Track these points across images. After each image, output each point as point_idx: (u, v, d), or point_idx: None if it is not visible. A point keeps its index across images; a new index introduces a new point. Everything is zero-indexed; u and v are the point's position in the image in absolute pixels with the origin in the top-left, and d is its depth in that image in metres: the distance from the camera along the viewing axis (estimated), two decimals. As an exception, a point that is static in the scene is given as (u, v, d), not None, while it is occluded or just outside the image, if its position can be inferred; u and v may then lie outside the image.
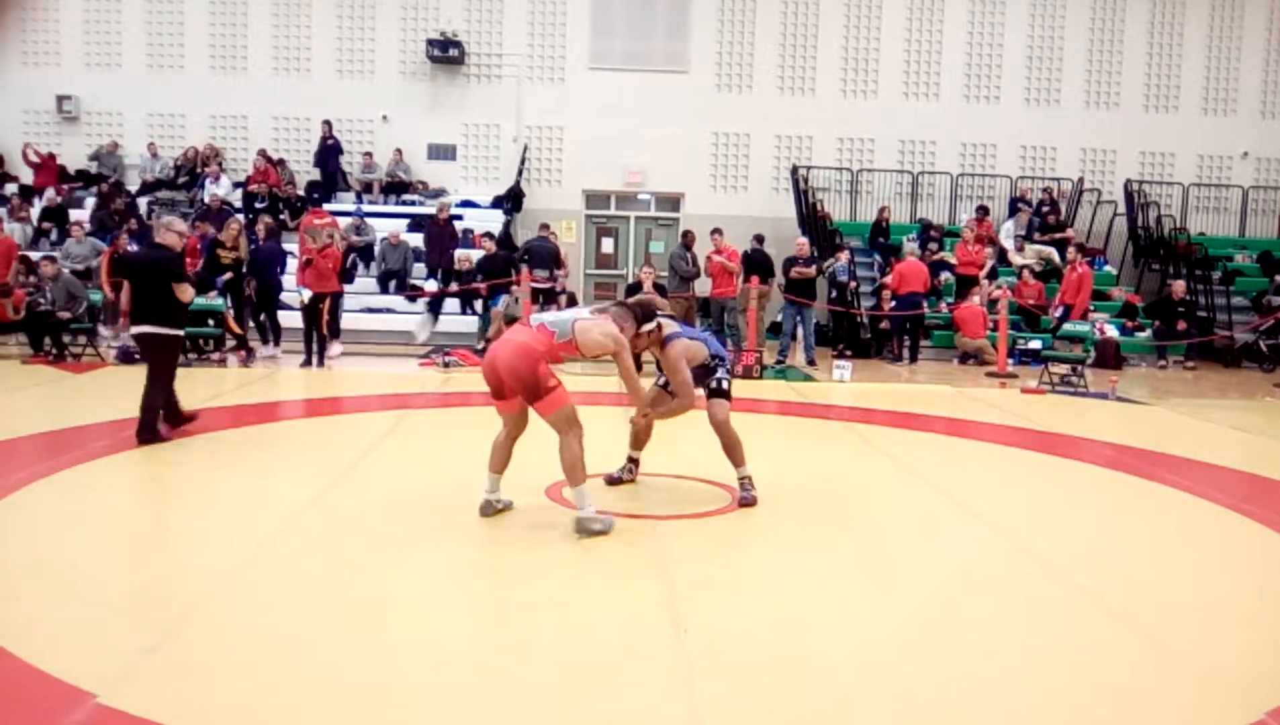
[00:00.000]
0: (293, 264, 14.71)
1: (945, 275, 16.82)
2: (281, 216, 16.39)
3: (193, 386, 10.41)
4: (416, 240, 16.79)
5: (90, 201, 17.72)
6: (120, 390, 10.29)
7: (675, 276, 14.33)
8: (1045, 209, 18.76)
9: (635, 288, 13.04)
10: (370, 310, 15.64)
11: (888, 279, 15.64)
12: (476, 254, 17.08)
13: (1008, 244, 18.04)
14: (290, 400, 9.46)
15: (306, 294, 12.42)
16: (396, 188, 18.97)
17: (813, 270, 14.28)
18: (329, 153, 18.71)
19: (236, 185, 18.12)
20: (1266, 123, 20.16)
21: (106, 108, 19.29)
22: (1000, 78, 19.89)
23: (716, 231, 14.63)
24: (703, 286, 15.25)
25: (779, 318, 15.07)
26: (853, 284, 16.05)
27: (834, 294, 15.84)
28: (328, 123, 18.73)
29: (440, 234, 16.56)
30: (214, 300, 12.81)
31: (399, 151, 19.06)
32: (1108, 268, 18.75)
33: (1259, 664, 3.98)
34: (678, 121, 19.35)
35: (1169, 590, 4.91)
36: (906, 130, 19.78)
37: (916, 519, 6.13)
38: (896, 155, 19.87)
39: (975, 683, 3.75)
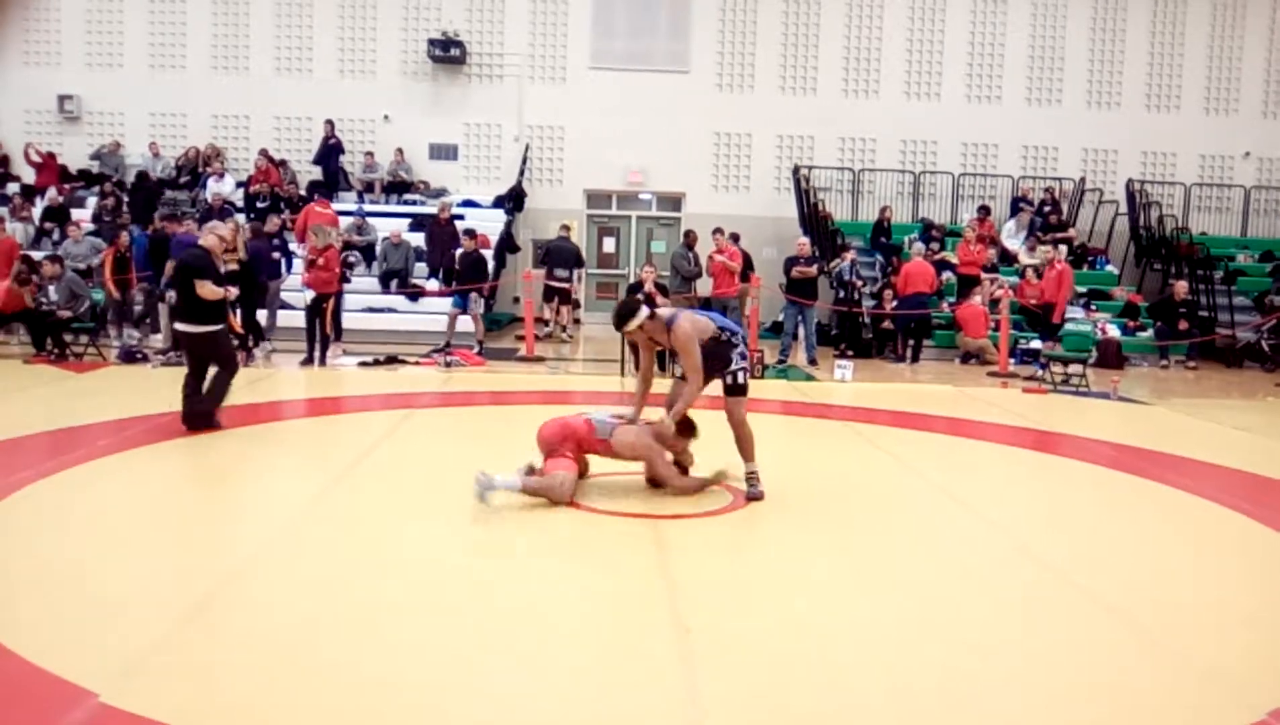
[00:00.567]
0: (292, 264, 14.75)
1: (947, 275, 16.82)
2: (283, 216, 16.37)
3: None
4: (418, 240, 16.80)
5: (91, 201, 17.73)
6: (122, 390, 10.32)
7: (677, 276, 14.33)
8: (1047, 209, 18.76)
9: (636, 287, 13.03)
10: (372, 310, 15.65)
11: (895, 279, 15.61)
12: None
13: (1010, 244, 18.04)
14: (292, 400, 9.46)
15: (309, 294, 12.44)
16: (398, 187, 18.99)
17: (814, 270, 14.27)
18: (330, 152, 18.72)
19: (238, 185, 18.13)
20: (1269, 122, 20.16)
21: (108, 107, 19.32)
22: (1002, 77, 19.89)
23: (718, 231, 14.63)
24: (702, 285, 15.26)
25: (780, 317, 15.07)
26: (859, 283, 16.05)
27: (841, 294, 15.84)
28: (330, 122, 18.74)
29: (441, 234, 16.57)
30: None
31: (400, 151, 19.08)
32: (1109, 267, 18.76)
33: (1259, 664, 3.98)
34: (679, 121, 19.36)
35: (1169, 590, 4.91)
36: (908, 130, 19.78)
37: (918, 519, 6.13)
38: (898, 155, 19.87)
39: (975, 682, 3.75)
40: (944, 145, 19.87)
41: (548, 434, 6.21)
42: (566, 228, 17.41)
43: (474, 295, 14.36)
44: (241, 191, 17.95)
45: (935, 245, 17.47)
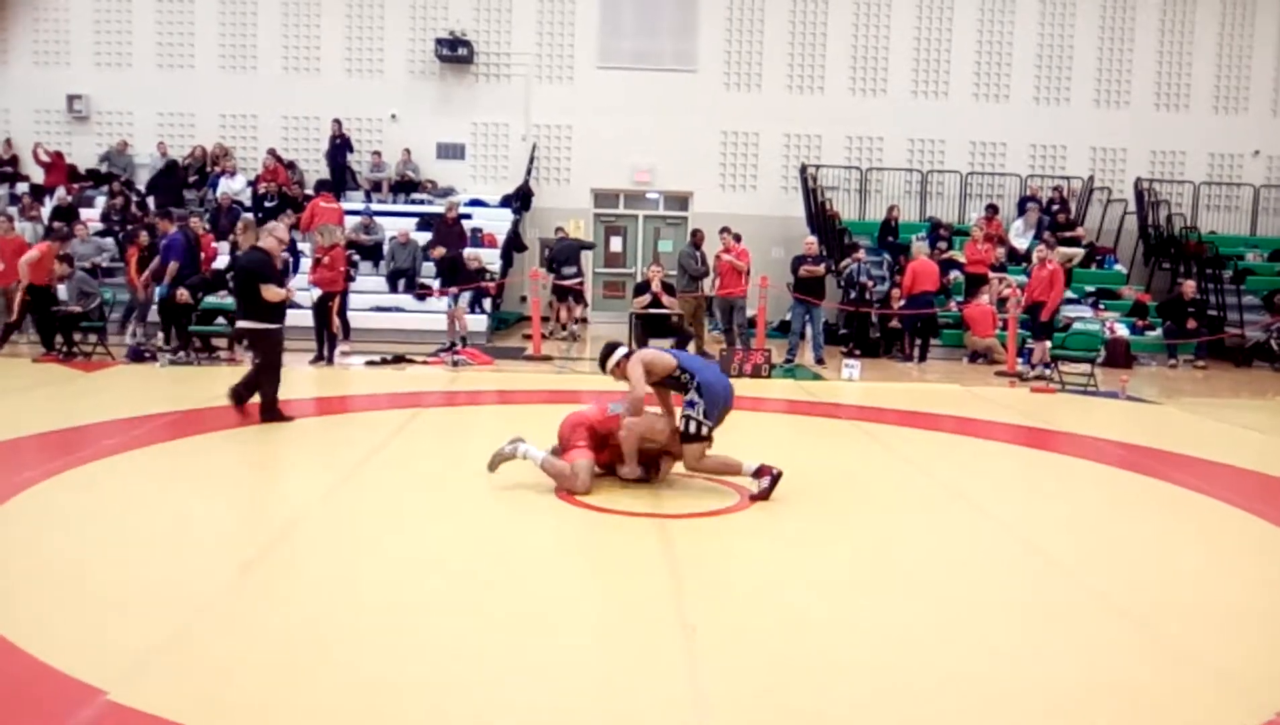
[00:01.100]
0: (299, 263, 14.78)
1: (955, 274, 16.80)
2: (287, 217, 16.41)
3: (205, 384, 10.46)
4: (425, 239, 16.82)
5: (100, 200, 17.79)
6: (131, 388, 10.36)
7: (684, 275, 14.32)
8: (1055, 208, 18.71)
9: (644, 287, 13.04)
10: (379, 309, 15.67)
11: (902, 278, 15.57)
12: (485, 252, 17.17)
13: (1018, 243, 18.00)
14: (300, 398, 9.47)
15: (316, 293, 12.46)
16: (405, 187, 19.01)
17: (821, 269, 14.25)
18: (338, 152, 18.75)
19: (247, 184, 18.18)
20: (1278, 121, 20.11)
21: (116, 107, 19.38)
22: (1010, 76, 19.86)
23: (725, 230, 14.61)
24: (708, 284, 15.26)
25: (787, 316, 15.06)
26: (868, 283, 16.03)
27: (852, 294, 15.81)
28: (337, 121, 18.77)
29: (449, 233, 16.58)
30: (224, 300, 12.83)
31: (407, 151, 19.11)
32: (1118, 266, 18.71)
33: (1268, 664, 3.96)
34: (686, 120, 19.36)
35: (1178, 590, 4.89)
36: (916, 129, 19.76)
37: (925, 518, 6.12)
38: (906, 154, 19.85)
39: (982, 682, 3.74)
40: (952, 144, 19.84)
41: (563, 428, 6.40)
42: (561, 229, 17.49)
43: (462, 294, 14.38)
44: (249, 191, 18.00)
45: (943, 244, 17.44)
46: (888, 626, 4.26)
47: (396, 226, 17.04)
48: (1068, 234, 17.90)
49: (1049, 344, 13.57)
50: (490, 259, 17.25)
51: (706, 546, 5.41)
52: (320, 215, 16.90)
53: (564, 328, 16.55)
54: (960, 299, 16.29)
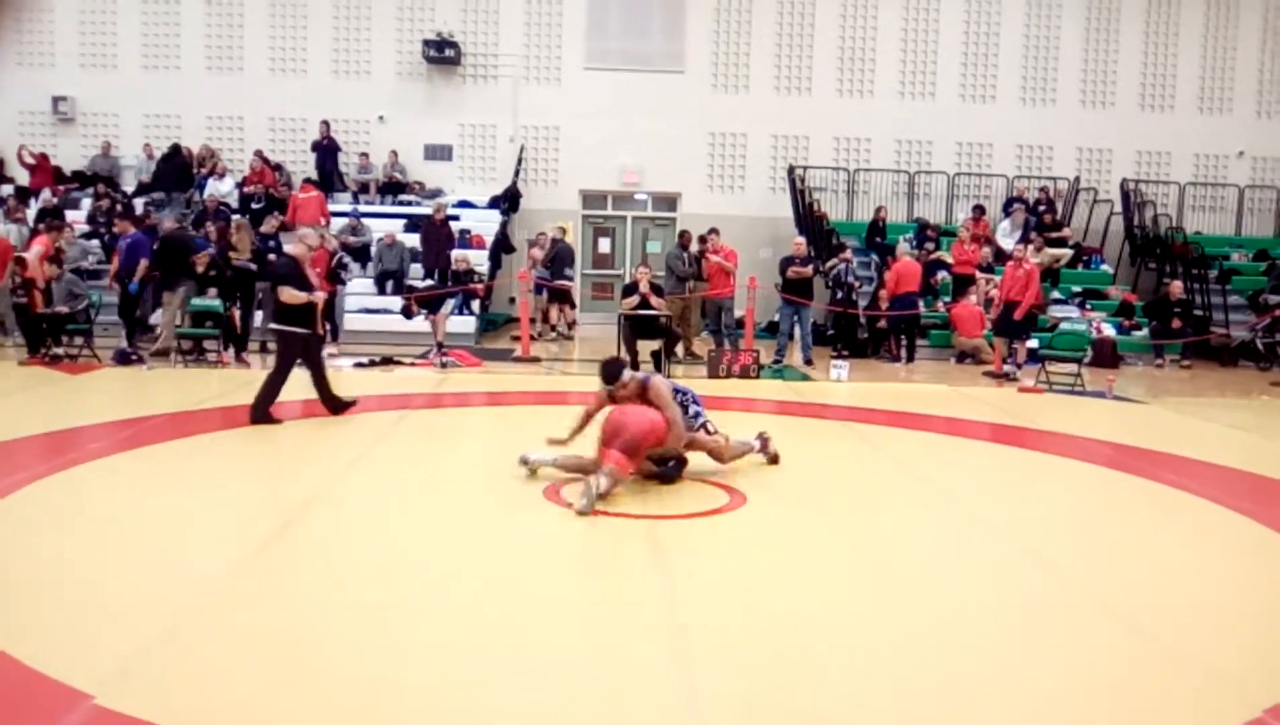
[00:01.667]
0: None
1: (942, 274, 16.83)
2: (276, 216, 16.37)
3: (193, 387, 10.43)
4: (413, 241, 16.78)
5: (86, 202, 17.71)
6: (117, 392, 10.31)
7: (671, 276, 14.32)
8: (1042, 208, 18.77)
9: (632, 288, 13.02)
10: (367, 311, 15.63)
11: (886, 276, 15.60)
12: (474, 254, 17.14)
13: (1004, 243, 18.04)
14: (289, 400, 9.42)
15: (320, 296, 12.39)
16: (393, 188, 18.97)
17: (809, 270, 14.27)
18: (325, 153, 18.69)
19: (234, 186, 18.12)
20: (1262, 122, 20.20)
21: (102, 109, 19.27)
22: (996, 77, 19.91)
23: (713, 231, 14.62)
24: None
25: (776, 317, 15.07)
26: (855, 284, 16.06)
27: (839, 295, 15.84)
28: (325, 123, 18.72)
29: (437, 234, 16.55)
30: (212, 301, 12.79)
31: (394, 152, 19.06)
32: (1104, 267, 18.79)
33: (1256, 662, 3.99)
34: (674, 121, 19.35)
35: (1166, 589, 4.91)
36: (903, 130, 19.79)
37: (914, 518, 6.13)
38: (893, 155, 19.89)
39: (972, 682, 3.75)
40: (939, 145, 19.88)
41: (607, 425, 6.32)
42: (563, 230, 17.54)
43: (448, 299, 14.28)
44: (236, 192, 17.94)
45: (930, 245, 17.48)
46: (880, 627, 4.26)
47: (384, 228, 17.00)
48: (1054, 234, 17.96)
49: (1032, 343, 13.64)
50: (478, 260, 17.23)
51: (698, 547, 5.41)
52: (301, 206, 16.93)
53: (555, 329, 16.59)
54: (948, 299, 16.33)
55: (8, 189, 18.22)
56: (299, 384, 8.79)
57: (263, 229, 14.81)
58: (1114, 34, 19.94)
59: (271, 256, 14.09)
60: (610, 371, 6.65)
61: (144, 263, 12.90)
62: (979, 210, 18.52)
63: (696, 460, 6.77)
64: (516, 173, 19.04)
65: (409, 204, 18.64)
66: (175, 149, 18.53)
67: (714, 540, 5.58)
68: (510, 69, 19.36)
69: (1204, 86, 20.13)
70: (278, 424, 8.39)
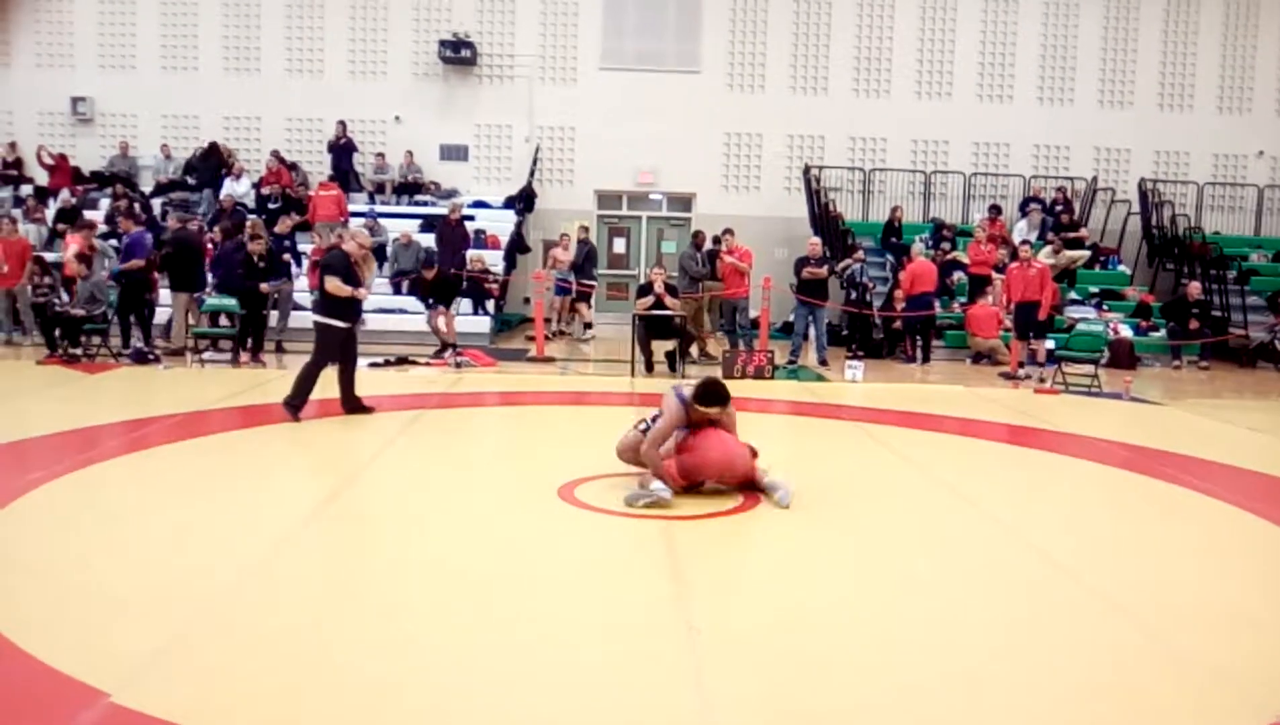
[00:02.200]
0: (303, 264, 14.78)
1: (958, 275, 16.78)
2: (292, 216, 16.45)
3: (208, 387, 10.49)
4: (429, 241, 16.83)
5: (105, 203, 17.83)
6: (133, 391, 10.37)
7: (685, 276, 14.31)
8: (1059, 208, 18.69)
9: (647, 288, 13.02)
10: (383, 310, 15.66)
11: (901, 276, 15.55)
12: (489, 254, 17.19)
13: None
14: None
15: (364, 292, 12.43)
16: (409, 188, 19.03)
17: (824, 270, 14.24)
18: (341, 153, 18.77)
19: (251, 186, 18.22)
20: (1282, 121, 20.06)
21: (120, 109, 19.42)
22: (1013, 76, 19.84)
23: (728, 232, 14.60)
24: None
25: (791, 317, 15.05)
26: (870, 284, 16.02)
27: (854, 295, 15.81)
28: (341, 123, 18.79)
29: (452, 235, 16.60)
30: (228, 300, 12.85)
31: (410, 153, 19.12)
32: (1122, 267, 18.69)
33: (1269, 667, 3.95)
34: (689, 121, 19.36)
35: (1180, 591, 4.88)
36: (919, 130, 19.75)
37: (928, 519, 6.11)
38: (909, 155, 19.84)
39: (983, 682, 3.74)
40: (955, 145, 19.83)
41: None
42: (585, 229, 17.65)
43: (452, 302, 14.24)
44: (253, 192, 18.04)
45: (946, 245, 17.43)
46: (892, 627, 4.25)
47: (400, 228, 17.06)
48: (1071, 235, 17.88)
49: (1049, 344, 13.59)
50: (494, 261, 17.27)
51: (711, 548, 5.41)
52: (320, 204, 17.04)
53: (585, 327, 16.85)
54: (964, 300, 16.27)
55: (27, 189, 18.40)
56: (326, 383, 8.81)
57: (277, 229, 14.87)
58: (1132, 33, 19.84)
59: (286, 256, 14.17)
60: (723, 396, 6.25)
61: (136, 261, 13.00)
62: (995, 210, 18.46)
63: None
64: (532, 173, 19.08)
65: (425, 204, 18.70)
66: (213, 146, 18.72)
67: (727, 541, 5.58)
68: (526, 69, 19.40)
69: (1223, 86, 20.01)
70: (296, 422, 8.43)
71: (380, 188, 18.94)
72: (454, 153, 19.65)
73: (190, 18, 19.33)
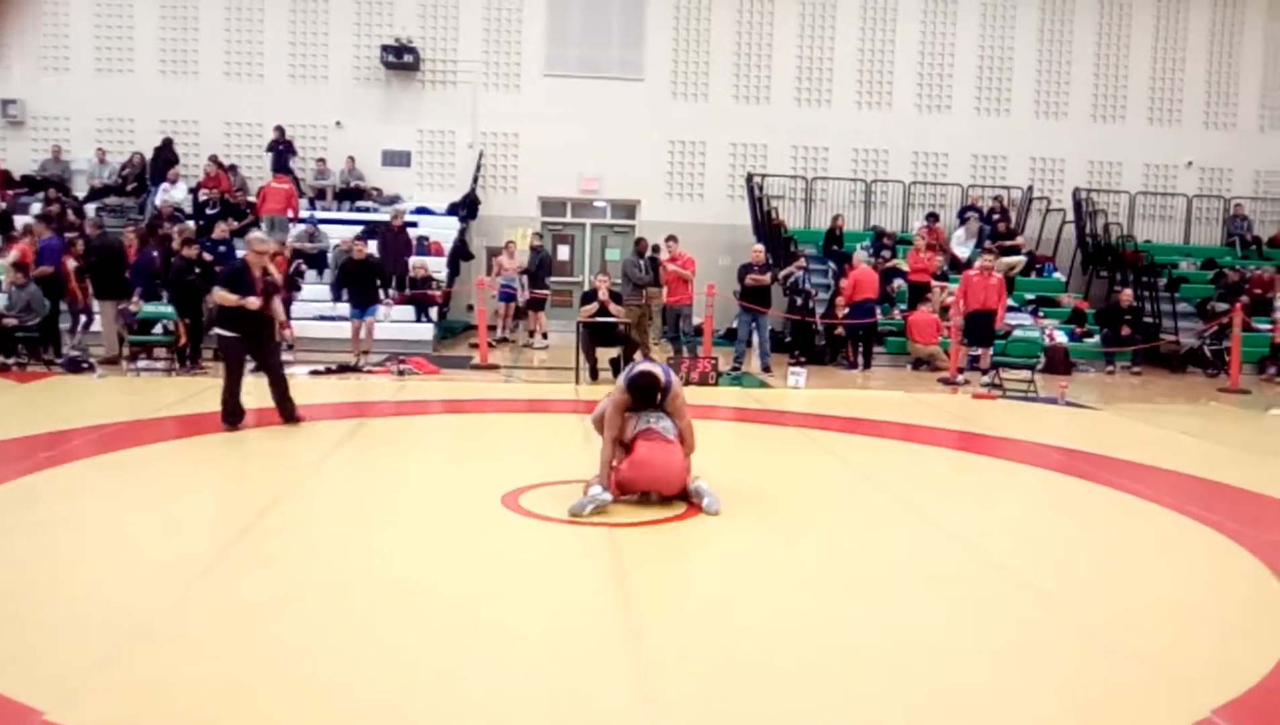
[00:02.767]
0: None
1: (898, 282, 16.99)
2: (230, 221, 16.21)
3: (145, 396, 10.29)
4: (371, 248, 16.64)
5: (36, 208, 17.42)
6: (68, 400, 10.14)
7: (629, 283, 14.32)
8: (996, 217, 19.02)
9: (591, 295, 13.02)
10: (324, 317, 15.49)
11: (844, 284, 15.71)
12: (432, 261, 17.09)
13: (959, 251, 18.26)
14: (250, 408, 9.33)
15: (254, 302, 12.28)
16: (350, 194, 18.84)
17: (767, 277, 14.34)
18: (280, 156, 18.53)
19: (188, 191, 17.92)
20: (1210, 133, 20.63)
21: (53, 112, 19.01)
22: (951, 87, 20.17)
23: (671, 238, 14.65)
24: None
25: (734, 324, 15.14)
26: (813, 292, 16.17)
27: (797, 302, 15.94)
28: (279, 128, 18.56)
29: (395, 241, 16.46)
30: (164, 307, 12.64)
31: (351, 158, 18.93)
32: (1057, 275, 19.06)
33: (1205, 663, 4.06)
34: (633, 129, 19.41)
35: (1118, 591, 4.99)
36: (860, 139, 19.99)
37: (870, 523, 6.18)
38: (850, 163, 20.07)
39: (927, 683, 3.79)
40: (895, 154, 20.10)
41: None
42: (539, 236, 17.65)
43: (381, 307, 14.08)
44: (190, 198, 17.74)
45: (887, 253, 17.64)
46: (835, 631, 4.29)
47: (341, 235, 16.88)
48: (1008, 243, 18.20)
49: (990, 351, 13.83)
50: (437, 267, 17.16)
51: (655, 554, 5.42)
52: (270, 195, 16.91)
53: (542, 335, 16.83)
54: (904, 307, 16.48)
55: (-45, 194, 17.91)
56: (250, 393, 8.70)
57: (215, 235, 14.64)
58: (1066, 46, 20.28)
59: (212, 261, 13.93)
60: (647, 394, 6.22)
61: (45, 268, 12.83)
62: (933, 218, 18.73)
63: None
64: (475, 179, 18.99)
65: (367, 210, 18.52)
66: (167, 142, 18.55)
67: (671, 547, 5.59)
68: (469, 75, 19.32)
69: (1153, 98, 20.53)
70: (234, 430, 8.33)
71: (321, 193, 18.73)
72: (396, 158, 19.51)
73: (125, 19, 18.98)
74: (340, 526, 5.74)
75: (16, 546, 5.17)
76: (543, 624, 4.26)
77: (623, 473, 6.14)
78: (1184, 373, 16.25)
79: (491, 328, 15.72)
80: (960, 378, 13.52)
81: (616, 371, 12.67)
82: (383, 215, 17.63)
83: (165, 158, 18.33)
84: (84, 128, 18.99)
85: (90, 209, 17.41)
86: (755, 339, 14.29)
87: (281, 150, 18.49)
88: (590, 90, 19.38)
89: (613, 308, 12.77)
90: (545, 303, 17.19)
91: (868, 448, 8.76)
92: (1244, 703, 3.64)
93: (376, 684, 3.62)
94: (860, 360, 15.13)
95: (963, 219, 18.96)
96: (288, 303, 13.25)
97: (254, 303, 8.44)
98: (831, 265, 17.77)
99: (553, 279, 19.67)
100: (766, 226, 18.07)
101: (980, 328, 13.65)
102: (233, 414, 8.48)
